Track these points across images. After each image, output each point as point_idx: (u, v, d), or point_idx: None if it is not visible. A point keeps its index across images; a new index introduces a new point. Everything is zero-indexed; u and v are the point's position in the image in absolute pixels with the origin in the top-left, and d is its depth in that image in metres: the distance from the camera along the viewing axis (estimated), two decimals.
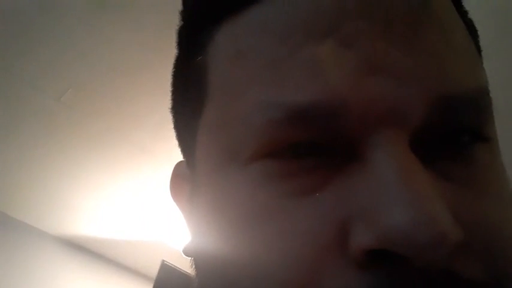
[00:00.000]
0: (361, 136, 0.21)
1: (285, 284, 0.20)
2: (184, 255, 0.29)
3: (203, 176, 0.26)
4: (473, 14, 0.29)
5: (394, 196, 0.19)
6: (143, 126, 1.82)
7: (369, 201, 0.19)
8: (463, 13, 0.27)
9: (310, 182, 0.21)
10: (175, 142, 0.33)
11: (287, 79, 0.22)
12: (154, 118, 1.74)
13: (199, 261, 0.27)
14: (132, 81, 1.64)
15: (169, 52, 0.33)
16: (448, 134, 0.22)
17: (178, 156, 0.33)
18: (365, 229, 0.19)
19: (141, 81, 1.62)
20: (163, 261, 2.51)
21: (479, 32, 0.28)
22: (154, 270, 2.53)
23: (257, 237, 0.21)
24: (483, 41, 0.29)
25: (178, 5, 0.32)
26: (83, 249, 2.77)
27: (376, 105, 0.21)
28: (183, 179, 0.31)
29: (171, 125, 0.33)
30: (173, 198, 0.33)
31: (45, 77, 1.65)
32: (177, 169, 0.33)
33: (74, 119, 1.84)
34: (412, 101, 0.21)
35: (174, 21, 0.32)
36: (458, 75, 0.22)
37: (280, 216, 0.21)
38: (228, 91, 0.25)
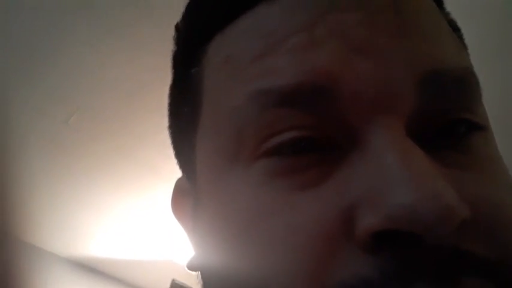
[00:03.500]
0: (356, 124, 0.21)
1: (295, 279, 0.19)
2: (188, 271, 0.29)
3: (205, 185, 0.26)
4: None
5: (397, 177, 0.19)
6: (150, 145, 1.83)
7: (371, 186, 0.19)
8: (445, 14, 0.28)
9: (313, 176, 0.21)
10: None
11: (272, 69, 0.22)
12: (160, 137, 1.74)
13: (206, 274, 0.26)
14: (137, 101, 1.65)
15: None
16: (444, 125, 0.22)
17: None
18: (370, 212, 0.19)
19: (146, 100, 1.64)
20: (173, 280, 2.49)
21: None
22: None
23: (263, 235, 0.21)
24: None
25: None
26: (93, 270, 2.76)
27: (366, 86, 0.21)
28: (183, 194, 0.31)
29: None
30: (174, 214, 0.32)
31: (51, 102, 1.67)
32: (178, 185, 0.33)
33: (81, 141, 1.85)
34: (401, 82, 0.21)
35: None
36: (444, 54, 0.23)
37: (284, 211, 0.21)
38: (219, 93, 0.25)
